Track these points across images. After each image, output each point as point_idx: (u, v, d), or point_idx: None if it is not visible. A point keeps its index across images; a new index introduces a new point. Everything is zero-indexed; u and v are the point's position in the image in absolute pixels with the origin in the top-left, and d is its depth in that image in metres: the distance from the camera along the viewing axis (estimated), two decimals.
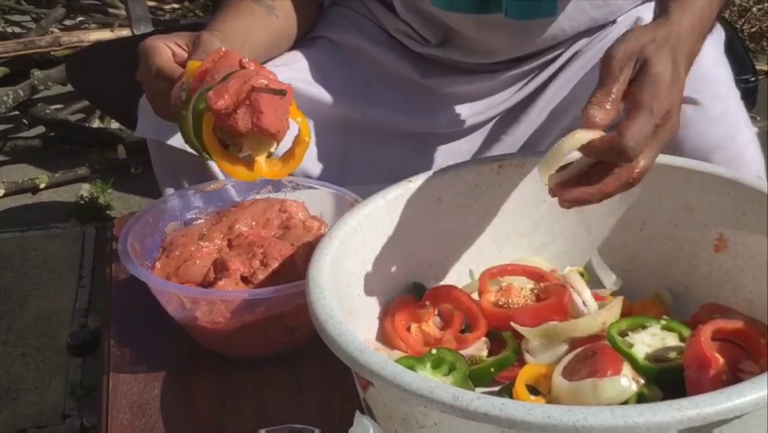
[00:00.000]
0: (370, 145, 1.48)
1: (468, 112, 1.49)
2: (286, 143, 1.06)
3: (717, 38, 1.40)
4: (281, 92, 1.02)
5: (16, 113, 2.89)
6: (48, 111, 2.87)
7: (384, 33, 1.51)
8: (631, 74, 0.94)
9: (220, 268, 1.11)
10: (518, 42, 1.45)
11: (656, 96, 0.92)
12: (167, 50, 1.16)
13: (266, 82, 1.01)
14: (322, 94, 1.42)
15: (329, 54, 1.47)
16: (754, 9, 3.12)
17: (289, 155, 1.07)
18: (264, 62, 1.32)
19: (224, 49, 1.10)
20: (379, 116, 1.47)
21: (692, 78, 1.19)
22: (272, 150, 1.06)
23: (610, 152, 0.90)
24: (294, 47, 1.45)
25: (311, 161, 1.41)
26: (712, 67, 1.30)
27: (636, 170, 0.92)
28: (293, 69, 1.40)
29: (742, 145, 1.25)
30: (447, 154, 1.48)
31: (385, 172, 1.42)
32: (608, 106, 0.92)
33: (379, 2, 1.51)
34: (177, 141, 1.31)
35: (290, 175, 1.18)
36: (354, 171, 1.45)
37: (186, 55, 1.17)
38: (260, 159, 1.04)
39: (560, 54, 1.48)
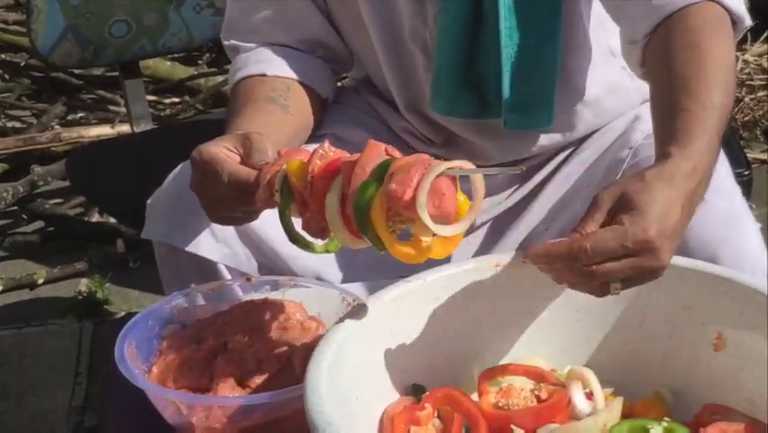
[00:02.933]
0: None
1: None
2: None
3: None
4: (479, 171, 1.03)
5: (15, 208, 2.90)
6: (47, 206, 2.88)
7: (387, 130, 1.54)
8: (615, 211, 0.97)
9: (217, 372, 1.10)
10: (518, 148, 1.48)
11: (635, 222, 0.94)
12: (232, 155, 1.15)
13: (450, 164, 1.00)
14: None
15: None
16: (747, 99, 3.16)
17: (453, 236, 1.04)
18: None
19: (328, 145, 1.09)
20: None
21: None
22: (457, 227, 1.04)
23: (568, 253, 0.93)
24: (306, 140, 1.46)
25: (310, 257, 1.37)
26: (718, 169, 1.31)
27: (596, 282, 0.95)
28: None
29: (747, 240, 1.26)
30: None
31: (384, 267, 1.43)
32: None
33: (382, 101, 1.54)
34: (186, 243, 1.32)
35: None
36: (354, 266, 1.45)
37: (239, 159, 1.15)
38: (426, 240, 1.02)
39: (559, 154, 1.50)
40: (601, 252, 0.92)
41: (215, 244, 1.33)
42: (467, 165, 1.02)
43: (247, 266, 1.35)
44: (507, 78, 1.36)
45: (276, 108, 1.38)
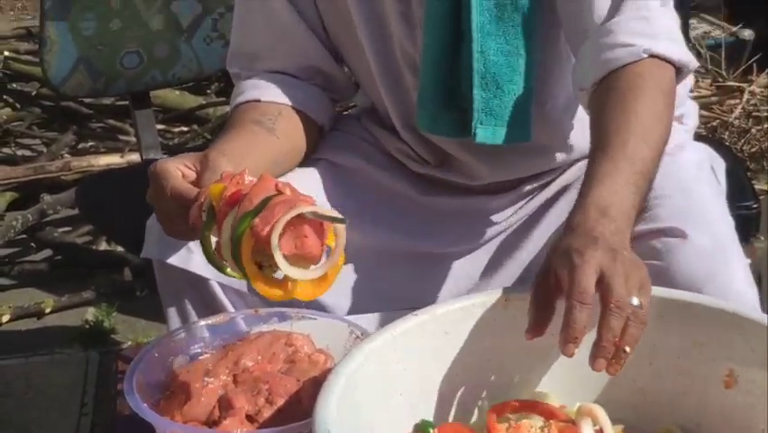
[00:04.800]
0: (372, 266, 1.48)
1: (467, 231, 1.50)
2: None
3: (708, 168, 1.43)
4: (341, 220, 1.05)
5: (24, 236, 2.91)
6: (55, 234, 2.89)
7: (383, 156, 1.55)
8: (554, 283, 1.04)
9: (225, 406, 1.09)
10: (512, 168, 1.49)
11: (572, 283, 1.00)
12: (178, 172, 1.19)
13: (312, 209, 1.03)
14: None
15: (330, 175, 1.50)
16: (753, 130, 3.15)
17: (322, 277, 1.07)
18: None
19: (245, 173, 1.11)
20: (378, 236, 1.48)
21: (679, 211, 1.26)
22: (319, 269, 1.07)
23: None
24: (298, 165, 1.48)
25: None
26: (701, 198, 1.31)
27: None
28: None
29: (733, 277, 1.24)
30: (449, 277, 1.48)
31: (387, 295, 1.44)
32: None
33: (379, 125, 1.56)
34: (179, 260, 1.33)
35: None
36: (363, 297, 1.45)
37: (194, 176, 1.20)
38: (294, 280, 1.04)
39: (558, 177, 1.50)
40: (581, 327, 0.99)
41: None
42: (326, 212, 1.06)
43: (239, 283, 1.34)
44: (478, 92, 1.37)
45: (261, 130, 1.40)
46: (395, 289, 1.46)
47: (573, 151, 1.48)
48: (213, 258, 1.11)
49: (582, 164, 1.44)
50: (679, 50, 1.28)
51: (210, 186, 1.12)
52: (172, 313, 1.39)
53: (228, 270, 1.11)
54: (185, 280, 1.35)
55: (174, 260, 1.34)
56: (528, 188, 1.51)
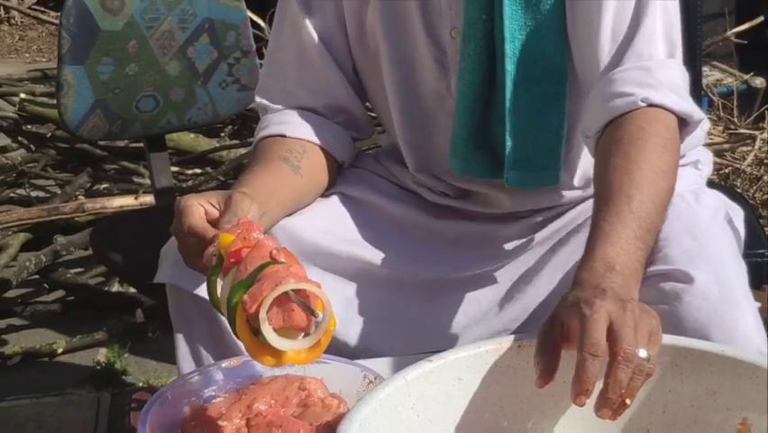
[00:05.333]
0: (384, 294, 1.48)
1: (479, 256, 1.51)
2: None
3: (723, 215, 1.43)
4: (314, 293, 1.07)
5: (37, 277, 2.91)
6: (68, 275, 2.90)
7: (397, 189, 1.58)
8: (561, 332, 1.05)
9: None
10: (533, 199, 1.51)
11: (583, 335, 1.01)
12: (200, 210, 1.22)
13: (296, 286, 1.05)
14: (336, 243, 1.45)
15: (344, 207, 1.51)
16: (765, 177, 3.16)
17: (315, 343, 1.08)
18: (288, 214, 1.41)
19: (257, 232, 1.14)
20: (391, 264, 1.48)
21: (686, 254, 1.26)
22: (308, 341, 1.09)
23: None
24: (318, 198, 1.50)
25: None
26: (709, 242, 1.31)
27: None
28: (311, 219, 1.46)
29: (739, 322, 1.23)
30: (462, 304, 1.48)
31: (398, 324, 1.46)
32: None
33: (396, 162, 1.58)
34: (191, 286, 1.35)
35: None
36: (374, 322, 1.46)
37: (217, 213, 1.23)
38: (289, 351, 1.06)
39: (571, 208, 1.51)
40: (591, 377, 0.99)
41: None
42: (315, 290, 1.07)
43: None
44: (510, 138, 1.40)
45: (287, 168, 1.43)
46: (409, 316, 1.46)
47: (590, 185, 1.48)
48: (216, 303, 1.15)
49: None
50: (680, 101, 1.29)
51: (221, 235, 1.15)
52: (180, 339, 1.40)
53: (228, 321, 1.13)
54: (195, 306, 1.36)
55: (187, 286, 1.35)
56: (541, 218, 1.52)
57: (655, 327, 1.03)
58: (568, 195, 1.51)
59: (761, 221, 2.64)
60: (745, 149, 3.19)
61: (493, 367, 1.12)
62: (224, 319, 1.35)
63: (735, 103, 3.39)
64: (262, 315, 1.03)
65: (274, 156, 1.44)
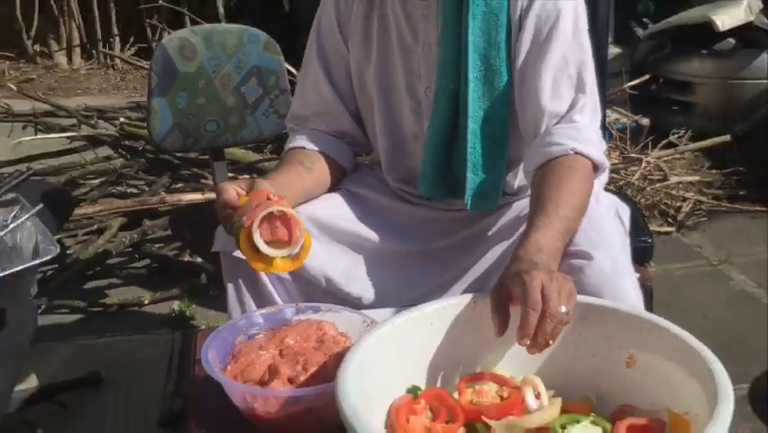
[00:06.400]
0: (377, 261, 1.47)
1: (443, 234, 1.50)
2: None
3: (614, 212, 1.41)
4: (291, 214, 1.14)
5: (130, 249, 2.91)
6: (153, 249, 2.89)
7: (384, 187, 1.56)
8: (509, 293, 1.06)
9: (273, 372, 1.09)
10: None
11: (525, 296, 1.02)
12: (231, 191, 1.24)
13: (277, 208, 1.12)
14: (342, 222, 1.45)
15: (348, 199, 1.51)
16: (648, 189, 3.17)
17: (297, 256, 1.15)
18: (305, 201, 1.43)
19: (265, 190, 1.20)
20: (381, 240, 1.47)
21: (587, 240, 1.26)
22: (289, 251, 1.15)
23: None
24: (326, 192, 1.50)
25: (338, 275, 1.41)
26: (606, 231, 1.30)
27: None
28: (325, 206, 1.46)
29: (624, 288, 1.24)
30: (432, 268, 1.47)
31: (390, 283, 1.44)
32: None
33: (383, 170, 1.56)
34: (234, 251, 1.33)
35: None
36: (372, 280, 1.45)
37: (244, 193, 1.25)
38: (276, 258, 1.14)
39: (504, 205, 1.48)
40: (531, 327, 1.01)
41: None
42: (290, 210, 1.15)
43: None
44: (470, 175, 1.39)
45: (302, 169, 1.45)
46: (396, 276, 1.46)
47: (517, 192, 1.49)
48: (237, 242, 1.18)
49: (518, 199, 1.49)
50: (597, 153, 1.31)
51: (241, 198, 1.21)
52: (230, 289, 1.38)
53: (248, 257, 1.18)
54: (241, 267, 1.34)
55: (232, 251, 1.34)
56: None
57: (572, 290, 1.04)
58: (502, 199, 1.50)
59: (645, 218, 2.64)
60: (633, 168, 3.20)
61: (456, 317, 1.12)
62: (262, 275, 1.37)
63: (627, 135, 3.41)
64: (255, 226, 1.09)
65: (294, 161, 1.45)
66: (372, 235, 1.47)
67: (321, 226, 1.41)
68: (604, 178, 1.56)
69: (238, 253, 1.30)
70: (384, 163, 1.53)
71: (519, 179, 1.47)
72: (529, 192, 1.47)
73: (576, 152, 1.28)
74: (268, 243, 1.12)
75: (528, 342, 1.01)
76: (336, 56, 1.49)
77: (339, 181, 1.53)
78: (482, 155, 1.38)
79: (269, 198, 1.15)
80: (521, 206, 1.47)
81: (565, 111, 1.32)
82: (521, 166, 1.45)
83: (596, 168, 1.31)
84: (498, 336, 1.05)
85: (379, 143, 1.51)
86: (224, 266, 1.40)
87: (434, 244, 1.49)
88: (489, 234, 1.48)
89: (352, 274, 1.42)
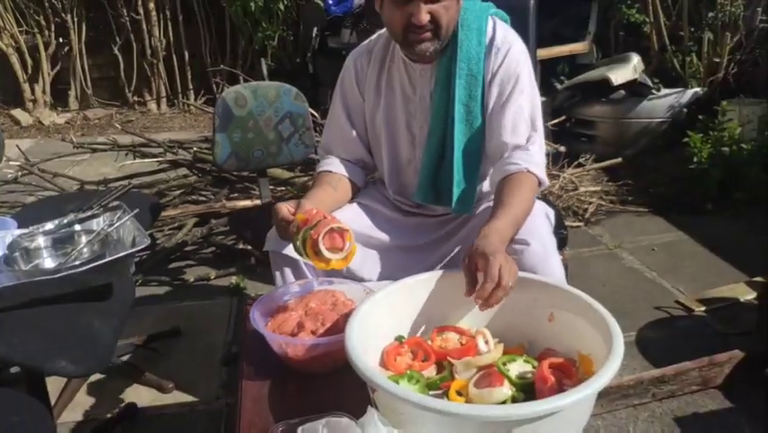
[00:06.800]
0: (381, 252, 1.44)
1: (427, 232, 1.48)
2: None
3: (545, 213, 1.39)
4: (345, 229, 1.11)
5: (201, 240, 2.89)
6: (217, 239, 2.87)
7: (386, 200, 1.53)
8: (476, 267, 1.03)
9: (300, 326, 1.10)
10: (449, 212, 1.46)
11: (486, 271, 1.01)
12: (285, 210, 1.20)
13: (336, 225, 1.09)
14: (357, 226, 1.40)
15: (362, 209, 1.48)
16: (564, 195, 3.16)
17: (346, 258, 1.12)
18: (331, 211, 1.36)
19: (314, 209, 1.16)
20: (386, 239, 1.45)
21: (526, 232, 1.24)
22: (343, 255, 1.12)
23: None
24: (347, 204, 1.47)
25: (354, 264, 1.36)
26: (538, 226, 1.29)
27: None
28: (347, 216, 1.38)
29: (552, 266, 1.23)
30: (422, 256, 1.45)
31: (389, 268, 1.42)
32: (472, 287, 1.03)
33: (385, 187, 1.53)
34: (283, 250, 1.31)
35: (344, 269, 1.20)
36: (378, 266, 1.42)
37: (293, 210, 1.21)
38: (333, 259, 1.11)
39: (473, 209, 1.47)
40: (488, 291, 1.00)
41: None
42: (343, 226, 1.12)
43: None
44: (456, 189, 1.37)
45: (330, 188, 1.41)
46: (396, 264, 1.43)
47: (480, 198, 1.47)
48: (298, 250, 1.15)
49: (485, 203, 1.46)
50: (542, 174, 1.29)
51: (298, 215, 1.16)
52: (278, 275, 1.37)
53: (303, 257, 1.14)
54: (285, 260, 1.32)
55: (281, 249, 1.32)
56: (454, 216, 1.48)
57: (515, 269, 1.03)
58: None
59: (562, 217, 2.64)
60: (554, 181, 3.19)
61: (431, 287, 1.12)
62: (302, 264, 1.32)
63: (550, 159, 3.39)
64: (320, 240, 1.07)
65: (324, 181, 1.42)
66: (379, 235, 1.44)
67: None
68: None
69: (287, 251, 1.28)
70: (386, 180, 1.50)
71: (482, 189, 1.45)
72: (487, 199, 1.46)
73: (528, 171, 1.26)
74: (327, 249, 1.10)
75: (481, 302, 1.00)
76: (355, 104, 1.46)
77: (355, 195, 1.50)
78: (464, 175, 1.36)
79: (325, 217, 1.12)
80: (481, 209, 1.46)
81: (523, 142, 1.30)
82: (485, 180, 1.43)
83: (540, 183, 1.29)
84: (468, 295, 1.03)
85: (384, 166, 1.48)
86: (272, 260, 1.37)
87: (421, 240, 1.47)
88: (458, 229, 1.46)
89: (364, 264, 1.40)
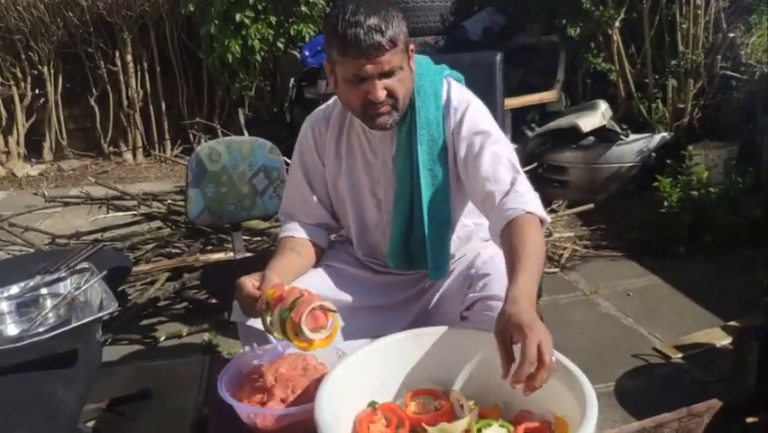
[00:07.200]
0: (351, 314, 1.40)
1: (397, 292, 1.45)
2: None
3: None
4: (332, 310, 1.05)
5: (174, 295, 2.82)
6: (189, 293, 2.81)
7: (354, 259, 1.49)
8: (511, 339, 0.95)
9: (270, 394, 1.06)
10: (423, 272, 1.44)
11: (525, 349, 0.92)
12: (249, 284, 1.16)
13: (317, 303, 1.03)
14: (325, 291, 1.37)
15: (329, 272, 1.43)
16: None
17: (329, 337, 1.07)
18: (298, 277, 1.32)
19: (285, 285, 1.10)
20: (356, 300, 1.42)
21: (500, 287, 1.19)
22: (326, 333, 1.07)
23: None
24: (313, 267, 1.43)
25: None
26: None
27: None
28: (313, 281, 1.37)
29: None
30: (394, 316, 1.42)
31: (362, 329, 1.37)
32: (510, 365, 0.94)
33: (352, 246, 1.49)
34: (249, 322, 1.27)
35: None
36: (351, 327, 1.37)
37: (258, 284, 1.16)
38: (315, 339, 1.05)
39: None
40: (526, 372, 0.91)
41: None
42: (326, 305, 1.06)
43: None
44: (430, 254, 1.35)
45: (294, 254, 1.37)
46: (367, 324, 1.39)
47: (453, 255, 1.44)
48: (267, 328, 1.11)
49: (458, 254, 1.43)
50: (541, 211, 1.23)
51: (266, 291, 1.11)
52: (245, 338, 1.33)
53: (275, 334, 1.09)
54: (254, 332, 1.28)
55: (248, 321, 1.28)
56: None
57: (551, 342, 0.95)
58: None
59: None
60: None
61: (403, 346, 1.10)
62: (270, 336, 1.23)
63: None
64: (303, 321, 1.01)
65: (287, 247, 1.37)
66: (349, 297, 1.40)
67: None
68: None
69: (255, 323, 1.24)
70: (355, 243, 1.47)
71: (452, 248, 1.43)
72: (460, 250, 1.44)
73: (527, 212, 1.19)
74: (310, 329, 1.05)
75: (517, 385, 0.91)
76: (314, 169, 1.43)
77: (320, 258, 1.46)
78: (436, 242, 1.34)
79: (301, 294, 1.07)
80: (456, 270, 1.43)
81: (509, 187, 1.25)
82: (453, 238, 1.41)
83: (542, 221, 1.23)
84: (504, 376, 0.93)
85: (351, 229, 1.46)
86: (240, 332, 1.34)
87: (393, 298, 1.44)
88: (430, 287, 1.44)
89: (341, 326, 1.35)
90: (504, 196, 1.25)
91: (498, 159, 1.27)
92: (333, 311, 1.05)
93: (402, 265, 1.41)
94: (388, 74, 1.21)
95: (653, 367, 2.11)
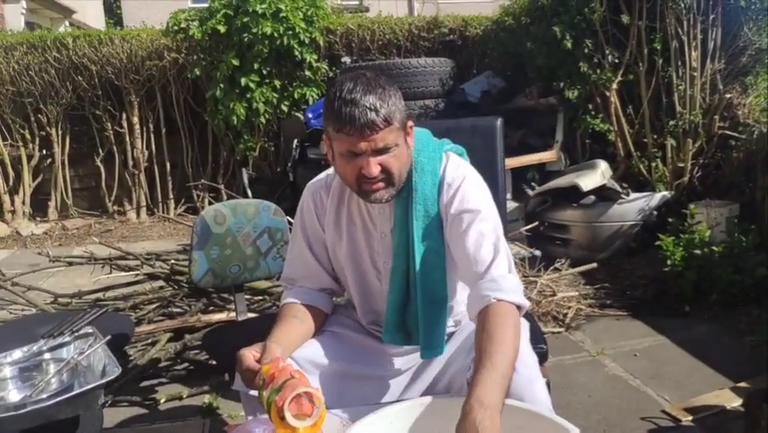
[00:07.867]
0: (359, 382, 1.38)
1: (400, 362, 1.43)
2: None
3: (525, 333, 1.33)
4: (314, 395, 1.03)
5: (174, 357, 2.80)
6: (191, 354, 2.79)
7: (358, 325, 1.47)
8: None
9: None
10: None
11: None
12: (249, 357, 1.16)
13: (303, 389, 1.02)
14: (325, 359, 1.36)
15: (332, 339, 1.41)
16: (543, 301, 3.17)
17: (316, 424, 1.04)
18: (302, 344, 1.31)
19: (281, 362, 1.09)
20: (355, 368, 1.39)
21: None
22: (311, 422, 1.04)
23: None
24: (316, 333, 1.41)
25: (331, 401, 1.22)
26: (523, 351, 1.22)
27: None
28: (317, 349, 1.36)
29: (537, 390, 1.18)
30: (391, 388, 1.40)
31: (368, 397, 1.36)
32: None
33: (356, 312, 1.49)
34: (252, 391, 1.24)
35: None
36: (343, 397, 1.35)
37: (258, 356, 1.17)
38: (300, 427, 1.02)
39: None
40: None
41: None
42: (315, 393, 1.04)
43: None
44: (423, 332, 1.34)
45: (296, 321, 1.35)
46: (372, 392, 1.38)
47: (452, 332, 1.43)
48: (262, 403, 1.09)
49: (461, 326, 1.42)
50: (516, 297, 1.18)
51: (263, 366, 1.11)
52: (248, 409, 1.33)
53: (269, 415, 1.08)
54: (253, 400, 1.25)
55: (250, 392, 1.25)
56: None
57: None
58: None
59: (540, 327, 2.63)
60: (531, 286, 3.22)
61: (406, 414, 1.10)
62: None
63: (526, 263, 3.44)
64: (285, 407, 1.00)
65: (289, 315, 1.35)
66: (354, 364, 1.38)
67: (313, 364, 1.33)
68: None
69: (254, 392, 1.21)
70: (358, 310, 1.46)
71: (450, 325, 1.42)
72: (460, 324, 1.42)
73: (498, 300, 1.16)
74: (294, 415, 1.02)
75: None
76: (315, 236, 1.43)
77: (324, 323, 1.44)
78: (430, 318, 1.32)
79: (292, 376, 1.05)
80: (453, 338, 1.42)
81: (484, 270, 1.22)
82: (452, 314, 1.41)
83: (519, 307, 1.19)
84: None
85: (353, 296, 1.45)
86: (243, 401, 1.33)
87: (400, 366, 1.42)
88: (433, 360, 1.41)
89: (341, 399, 1.33)
90: (479, 280, 1.22)
91: (482, 238, 1.24)
92: (316, 395, 1.03)
93: (398, 341, 1.36)
94: (382, 150, 1.21)
95: (663, 431, 2.07)
